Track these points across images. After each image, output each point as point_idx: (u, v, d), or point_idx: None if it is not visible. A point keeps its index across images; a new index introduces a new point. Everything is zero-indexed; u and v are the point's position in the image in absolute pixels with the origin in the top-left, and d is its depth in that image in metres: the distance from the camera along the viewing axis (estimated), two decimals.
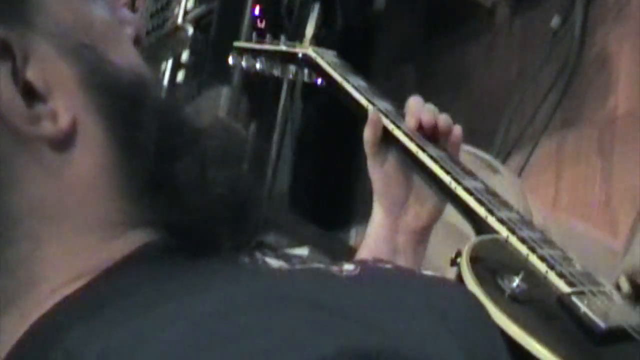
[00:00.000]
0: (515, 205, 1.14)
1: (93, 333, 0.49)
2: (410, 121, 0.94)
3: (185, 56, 1.82)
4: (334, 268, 0.58)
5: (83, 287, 0.53)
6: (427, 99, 0.99)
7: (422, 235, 0.94)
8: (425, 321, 0.53)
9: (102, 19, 0.59)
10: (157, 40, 1.96)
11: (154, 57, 1.94)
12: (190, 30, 1.89)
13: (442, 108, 2.12)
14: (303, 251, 1.62)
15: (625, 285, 0.80)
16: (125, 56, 0.59)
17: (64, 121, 0.54)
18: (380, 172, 0.95)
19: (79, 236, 0.54)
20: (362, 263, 0.61)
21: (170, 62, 1.84)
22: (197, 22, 1.90)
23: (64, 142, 0.54)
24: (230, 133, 0.64)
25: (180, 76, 1.78)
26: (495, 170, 1.23)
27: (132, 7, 2.16)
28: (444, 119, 0.95)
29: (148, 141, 0.56)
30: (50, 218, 0.54)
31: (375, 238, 0.94)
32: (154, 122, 0.57)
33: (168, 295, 0.50)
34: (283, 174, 2.21)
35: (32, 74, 0.54)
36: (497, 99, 2.08)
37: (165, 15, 1.99)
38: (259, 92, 1.62)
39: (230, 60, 1.22)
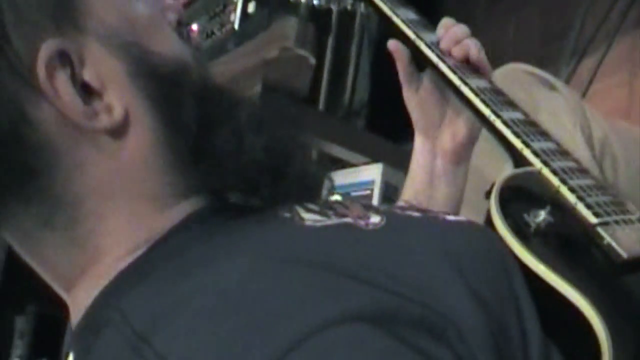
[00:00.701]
0: (571, 121, 1.17)
1: (143, 296, 0.57)
2: (456, 53, 0.95)
3: None
4: (361, 222, 0.64)
5: (140, 256, 0.61)
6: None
7: (459, 156, 0.96)
8: (438, 268, 0.59)
9: (144, 13, 0.66)
10: None
11: None
12: None
13: (516, 11, 2.09)
14: (377, 168, 1.67)
15: None
16: (167, 44, 0.66)
17: (117, 112, 0.62)
18: (415, 98, 0.97)
19: (135, 210, 0.63)
20: (389, 213, 0.67)
21: None
22: None
23: (118, 129, 0.62)
24: (271, 101, 0.70)
25: (251, 8, 1.83)
26: (553, 88, 1.24)
27: None
28: (468, 46, 0.94)
29: (189, 119, 0.64)
30: (110, 196, 0.62)
31: (415, 166, 0.98)
32: (193, 101, 0.64)
33: (204, 261, 0.58)
34: (362, 85, 2.25)
35: (88, 75, 0.62)
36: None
37: None
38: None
39: None
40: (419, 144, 0.98)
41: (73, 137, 0.61)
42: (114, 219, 0.62)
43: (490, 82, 0.93)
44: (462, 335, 0.54)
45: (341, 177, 1.75)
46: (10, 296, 2.02)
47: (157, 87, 0.64)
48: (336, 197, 0.77)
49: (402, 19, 1.02)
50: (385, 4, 1.07)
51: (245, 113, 0.67)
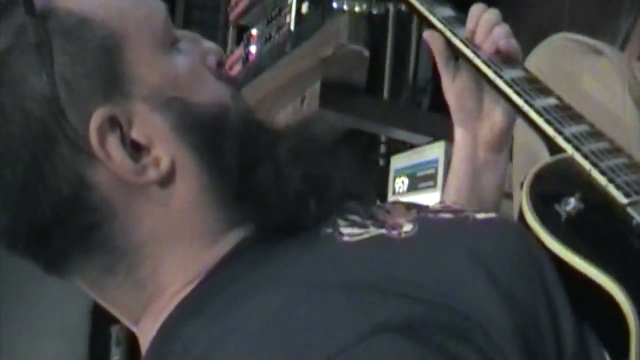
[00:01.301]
0: (619, 84, 1.18)
1: (199, 327, 0.64)
2: (486, 48, 0.98)
3: None
4: (394, 232, 0.70)
5: (194, 288, 0.69)
6: None
7: (500, 145, 0.98)
8: (466, 271, 0.64)
9: (184, 67, 0.72)
10: None
11: None
12: None
13: None
14: (440, 146, 1.71)
15: None
16: (207, 92, 0.73)
17: (164, 164, 0.69)
18: (452, 88, 0.99)
19: (188, 248, 0.70)
20: (421, 220, 0.72)
21: None
22: None
23: (166, 180, 0.70)
24: (306, 128, 0.76)
25: (305, 8, 1.88)
26: (599, 53, 1.25)
27: None
28: (499, 37, 0.96)
29: (231, 160, 0.70)
30: (164, 240, 0.70)
31: (457, 159, 1.00)
32: (234, 143, 0.71)
33: (250, 292, 0.65)
34: (424, 63, 2.27)
35: (136, 134, 0.69)
36: None
37: None
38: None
39: (335, 5, 1.31)
40: (459, 136, 1.00)
41: (127, 192, 0.69)
42: (169, 259, 0.70)
43: (525, 69, 0.96)
44: (488, 335, 0.59)
45: (406, 159, 1.79)
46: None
47: (199, 136, 0.71)
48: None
49: (437, 17, 1.05)
50: (422, 4, 1.11)
51: (283, 146, 0.73)
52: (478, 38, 0.98)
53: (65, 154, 0.67)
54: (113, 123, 0.68)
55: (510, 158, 1.22)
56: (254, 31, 2.09)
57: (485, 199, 0.99)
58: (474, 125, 1.00)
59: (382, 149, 2.23)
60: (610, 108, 1.17)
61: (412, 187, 1.78)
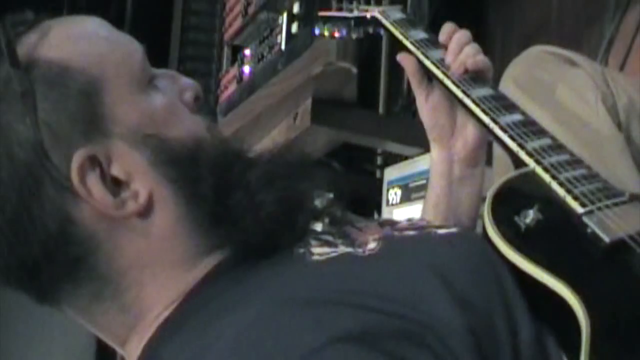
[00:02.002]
0: (593, 94, 1.23)
1: (179, 345, 0.70)
2: (455, 69, 1.01)
3: (296, 8, 1.96)
4: (359, 250, 0.74)
5: (174, 310, 0.74)
6: None
7: (474, 159, 1.02)
8: (423, 282, 0.69)
9: (161, 105, 0.78)
10: None
11: (274, 11, 2.10)
12: None
13: None
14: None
15: None
16: (183, 127, 0.78)
17: (142, 197, 0.74)
18: (426, 107, 1.03)
19: (168, 273, 0.75)
20: (386, 238, 0.77)
21: (285, 15, 1.99)
22: None
23: (145, 211, 0.75)
24: (281, 153, 0.81)
25: (295, 28, 1.93)
26: (574, 64, 1.29)
27: None
28: (468, 55, 1.00)
29: (206, 189, 0.75)
30: (146, 266, 0.75)
31: (434, 175, 1.04)
32: (209, 173, 0.76)
33: (224, 310, 0.69)
34: None
35: (116, 170, 0.74)
36: None
37: None
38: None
39: (316, 31, 1.35)
40: (435, 153, 1.04)
41: (109, 225, 0.74)
42: (151, 284, 0.75)
43: (492, 87, 1.00)
44: (442, 338, 0.64)
45: (399, 170, 1.84)
46: None
47: (175, 169, 0.76)
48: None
49: (410, 40, 1.10)
50: (396, 28, 1.15)
51: (256, 173, 0.77)
52: (448, 59, 1.02)
53: (50, 193, 0.73)
54: (93, 162, 0.73)
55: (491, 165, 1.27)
56: (247, 51, 2.14)
57: (462, 212, 1.03)
58: (448, 142, 1.03)
59: (379, 161, 2.27)
60: (584, 117, 1.22)
61: (405, 198, 1.82)
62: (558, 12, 2.19)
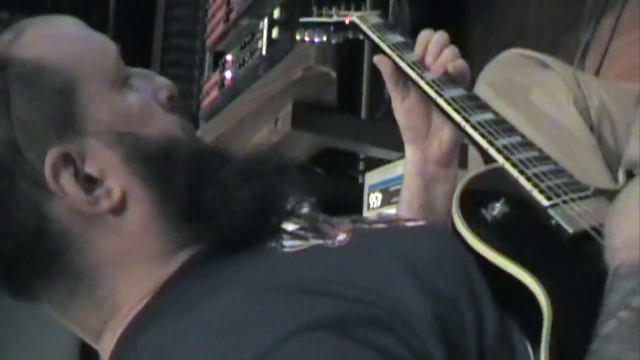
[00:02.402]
0: (565, 96, 1.25)
1: (152, 336, 0.71)
2: (435, 69, 1.03)
3: (277, 13, 1.98)
4: (329, 242, 0.76)
5: (147, 303, 0.75)
6: None
7: (449, 160, 1.05)
8: (391, 271, 0.71)
9: (135, 104, 0.79)
10: (254, 1, 2.12)
11: (256, 17, 2.12)
12: None
13: None
14: None
15: (622, 178, 0.90)
16: (157, 125, 0.79)
17: (116, 194, 0.76)
18: (402, 108, 1.06)
19: (142, 269, 0.76)
20: (355, 230, 0.79)
21: (266, 21, 2.01)
22: None
23: (119, 208, 0.76)
24: (255, 152, 0.83)
25: (275, 33, 1.96)
26: (547, 67, 1.31)
27: None
28: (447, 59, 1.02)
29: (180, 186, 0.77)
30: (120, 262, 0.76)
31: (409, 174, 1.06)
32: (183, 171, 0.77)
33: (198, 300, 0.71)
34: None
35: (89, 168, 0.76)
36: None
37: None
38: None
39: (297, 37, 1.38)
40: (410, 153, 1.07)
41: (83, 222, 0.75)
42: (125, 279, 0.76)
43: (465, 88, 1.02)
44: (408, 324, 0.66)
45: (379, 175, 1.86)
46: None
47: (149, 167, 0.77)
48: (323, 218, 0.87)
49: (387, 44, 1.12)
50: (374, 33, 1.18)
51: (229, 171, 0.79)
52: (428, 61, 1.04)
53: (25, 190, 0.74)
54: (67, 159, 0.75)
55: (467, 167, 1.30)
56: (229, 57, 2.16)
57: (436, 209, 1.05)
58: (423, 143, 1.06)
59: (361, 166, 2.29)
60: (556, 118, 1.24)
61: (386, 202, 1.84)
62: (536, 20, 2.22)
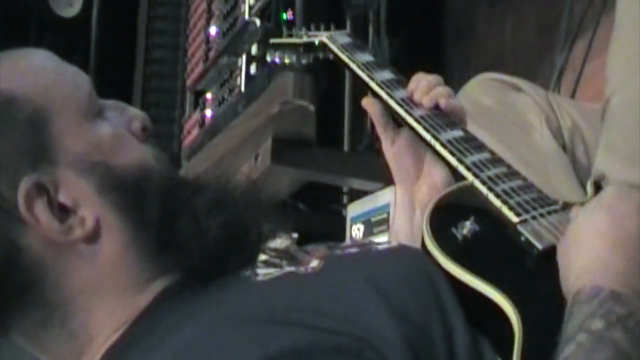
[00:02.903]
0: (537, 117, 1.26)
1: None
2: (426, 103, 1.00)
3: (254, 49, 1.99)
4: (302, 269, 0.75)
5: (120, 336, 0.74)
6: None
7: None
8: (361, 296, 0.70)
9: (107, 134, 0.79)
10: (232, 39, 2.14)
11: (234, 54, 2.13)
12: (258, 22, 2.04)
13: (513, 11, 2.13)
14: (391, 191, 1.77)
15: (590, 191, 0.90)
16: (130, 154, 0.79)
17: (89, 223, 0.75)
18: (391, 150, 1.04)
19: (115, 299, 0.76)
20: (328, 256, 0.78)
21: (244, 57, 2.02)
22: (262, 14, 2.04)
23: (92, 236, 0.76)
24: (224, 181, 0.82)
25: (253, 69, 1.96)
26: (519, 89, 1.32)
27: (209, 12, 2.36)
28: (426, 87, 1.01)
29: (152, 216, 0.77)
30: (93, 292, 0.75)
31: (398, 212, 1.04)
32: (155, 200, 0.77)
33: (169, 331, 0.70)
34: None
35: (62, 197, 0.76)
36: None
37: (235, 14, 2.16)
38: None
39: (268, 58, 1.38)
40: (399, 196, 1.05)
41: (56, 251, 0.75)
42: (99, 310, 0.75)
43: (464, 130, 0.98)
44: (378, 350, 0.65)
45: (360, 206, 1.85)
46: None
47: (121, 195, 0.77)
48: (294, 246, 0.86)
49: (357, 63, 1.13)
50: (343, 52, 1.18)
51: (201, 199, 0.79)
52: (417, 95, 1.01)
53: None
54: (40, 189, 0.75)
55: None
56: (208, 95, 2.17)
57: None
58: (412, 187, 1.03)
59: (345, 199, 2.29)
60: (529, 139, 1.25)
61: (368, 233, 1.84)
62: (512, 46, 2.24)
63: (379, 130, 1.05)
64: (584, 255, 0.70)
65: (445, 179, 1.00)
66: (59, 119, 0.77)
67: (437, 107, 1.00)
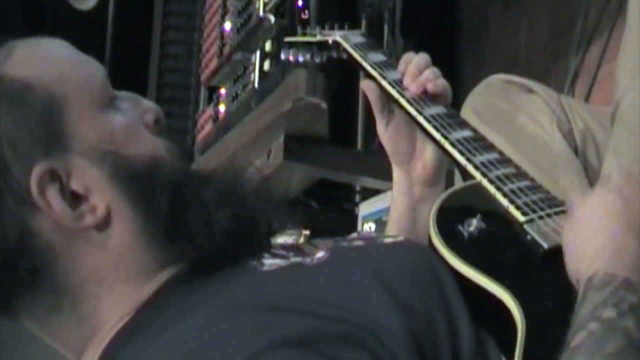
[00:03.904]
0: (548, 119, 1.26)
1: (132, 353, 0.71)
2: (413, 88, 1.05)
3: (268, 46, 2.00)
4: (307, 259, 0.76)
5: (129, 320, 0.75)
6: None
7: (434, 180, 1.05)
8: (366, 287, 0.71)
9: (120, 124, 0.80)
10: (246, 35, 2.15)
11: (248, 50, 2.14)
12: (273, 19, 2.05)
13: (527, 13, 2.13)
14: None
15: None
16: (142, 145, 0.81)
17: (100, 211, 0.76)
18: (387, 131, 1.07)
19: (124, 286, 0.77)
20: (334, 248, 0.79)
21: (258, 53, 2.03)
22: (277, 10, 2.06)
23: (103, 224, 0.77)
24: (234, 174, 0.83)
25: (267, 65, 1.97)
26: (531, 91, 1.32)
27: (224, 8, 2.37)
28: (426, 79, 1.03)
29: (162, 205, 0.78)
30: (104, 279, 0.77)
31: (396, 194, 1.07)
32: (165, 190, 0.78)
33: (177, 318, 0.71)
34: None
35: (75, 185, 0.77)
36: None
37: (249, 11, 2.18)
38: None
39: (282, 56, 1.39)
40: (396, 175, 1.08)
41: (67, 237, 0.76)
42: (108, 296, 0.76)
43: (445, 106, 1.03)
44: (382, 340, 0.65)
45: (372, 205, 1.86)
46: None
47: (133, 185, 0.78)
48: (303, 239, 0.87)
49: (369, 62, 1.13)
50: (356, 51, 1.19)
51: (211, 191, 0.80)
52: (406, 80, 1.05)
53: (10, 205, 0.75)
54: (53, 175, 0.76)
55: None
56: (222, 90, 2.18)
57: (422, 228, 1.05)
58: (408, 164, 1.07)
59: (357, 197, 2.30)
60: (540, 141, 1.25)
61: (379, 232, 1.85)
62: (526, 49, 2.24)
63: (376, 112, 1.08)
64: (597, 237, 0.71)
65: (437, 157, 1.04)
66: (73, 107, 0.78)
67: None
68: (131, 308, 0.76)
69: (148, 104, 0.85)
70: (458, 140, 0.95)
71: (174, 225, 0.78)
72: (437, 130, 0.98)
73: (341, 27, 1.28)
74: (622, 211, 0.70)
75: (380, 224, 1.84)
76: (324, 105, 1.74)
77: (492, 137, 1.18)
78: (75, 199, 0.76)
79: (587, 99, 1.85)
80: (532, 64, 2.18)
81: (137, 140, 0.80)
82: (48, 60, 0.81)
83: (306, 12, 1.80)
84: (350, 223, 2.01)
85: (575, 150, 1.26)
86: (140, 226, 0.77)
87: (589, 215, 0.72)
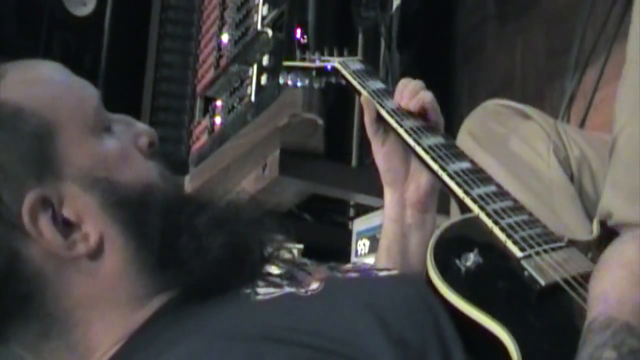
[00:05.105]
0: (545, 146, 1.26)
1: None
2: (412, 107, 1.06)
3: (266, 60, 2.00)
4: (302, 290, 0.77)
5: (118, 349, 0.75)
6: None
7: (426, 204, 1.06)
8: (361, 320, 0.71)
9: (113, 149, 0.80)
10: (244, 48, 2.15)
11: (245, 63, 2.14)
12: (270, 33, 2.06)
13: (523, 33, 2.14)
14: None
15: (596, 228, 0.91)
16: (135, 171, 0.80)
17: (93, 239, 0.76)
18: (381, 151, 1.08)
19: (115, 314, 0.76)
20: (329, 279, 0.79)
21: (255, 67, 2.03)
22: (274, 24, 2.06)
23: (95, 253, 0.76)
24: (227, 201, 0.83)
25: (264, 80, 1.97)
26: (527, 117, 1.32)
27: (221, 19, 2.37)
28: (418, 101, 1.05)
29: (154, 233, 0.77)
30: (94, 306, 0.76)
31: (387, 219, 1.07)
32: (157, 217, 0.78)
33: (167, 346, 0.71)
34: None
35: (67, 212, 0.76)
36: (570, 13, 2.13)
37: (247, 23, 2.18)
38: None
39: (280, 80, 1.39)
40: (388, 196, 1.08)
41: (58, 265, 0.76)
42: (98, 324, 0.76)
43: (443, 136, 1.04)
44: None
45: (366, 222, 1.86)
46: None
47: (125, 212, 0.78)
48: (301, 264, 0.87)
49: (368, 90, 1.14)
50: (355, 78, 1.19)
51: (204, 218, 0.80)
52: (403, 101, 1.06)
53: (0, 231, 0.74)
54: (45, 203, 0.75)
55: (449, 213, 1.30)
56: (218, 102, 2.18)
57: (413, 256, 1.06)
58: (401, 186, 1.07)
59: (351, 212, 2.30)
60: (535, 167, 1.25)
61: (373, 249, 1.85)
62: (521, 71, 2.25)
63: (370, 133, 1.09)
64: (604, 282, 0.72)
65: (431, 181, 1.05)
66: (65, 132, 0.77)
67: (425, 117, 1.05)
68: (123, 335, 0.76)
69: (142, 127, 0.85)
70: (456, 172, 0.96)
71: (166, 252, 0.78)
72: (435, 161, 0.99)
73: (340, 53, 1.29)
74: (635, 262, 0.71)
75: (375, 241, 1.84)
76: (319, 121, 1.75)
77: (488, 161, 1.19)
78: (67, 227, 0.76)
79: (583, 122, 1.85)
80: (527, 85, 2.18)
81: (130, 166, 0.80)
82: (40, 84, 0.80)
83: (305, 36, 1.80)
84: (343, 237, 2.02)
85: (571, 177, 1.26)
86: (132, 253, 0.77)
87: (603, 261, 0.74)
